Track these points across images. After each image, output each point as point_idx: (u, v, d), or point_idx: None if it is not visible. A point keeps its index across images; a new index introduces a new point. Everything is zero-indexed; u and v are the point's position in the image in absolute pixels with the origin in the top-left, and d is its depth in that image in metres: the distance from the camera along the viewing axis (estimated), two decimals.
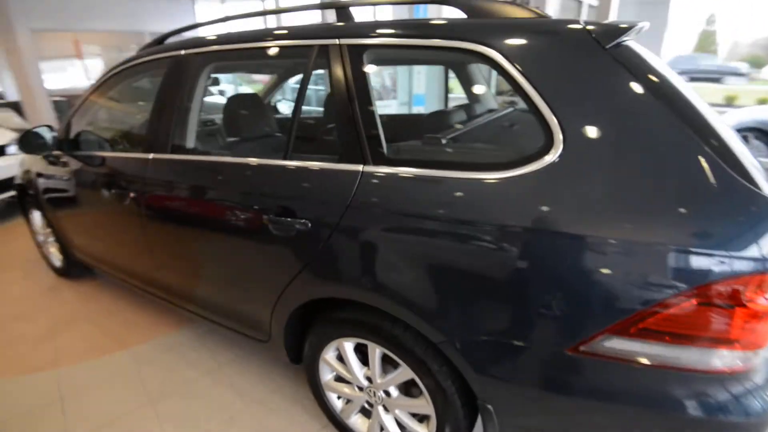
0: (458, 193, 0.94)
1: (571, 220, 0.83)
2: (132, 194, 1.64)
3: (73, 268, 2.61)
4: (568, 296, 0.84)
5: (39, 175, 2.31)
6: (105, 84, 1.94)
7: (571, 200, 0.83)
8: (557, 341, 0.87)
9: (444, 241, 0.94)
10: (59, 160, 2.08)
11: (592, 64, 0.87)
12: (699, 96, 0.94)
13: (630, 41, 0.92)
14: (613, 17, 3.44)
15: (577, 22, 0.92)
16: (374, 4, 1.31)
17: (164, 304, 1.88)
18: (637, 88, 0.84)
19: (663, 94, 0.83)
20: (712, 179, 0.77)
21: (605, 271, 0.80)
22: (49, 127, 2.16)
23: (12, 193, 3.44)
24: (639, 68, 0.87)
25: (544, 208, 0.85)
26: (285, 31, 1.27)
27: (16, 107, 8.56)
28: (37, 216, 2.63)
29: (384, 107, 6.55)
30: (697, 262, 0.75)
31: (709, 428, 0.82)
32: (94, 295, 2.53)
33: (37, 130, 2.06)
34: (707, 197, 0.77)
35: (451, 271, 0.95)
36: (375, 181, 1.05)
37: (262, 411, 1.61)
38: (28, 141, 2.01)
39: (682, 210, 0.76)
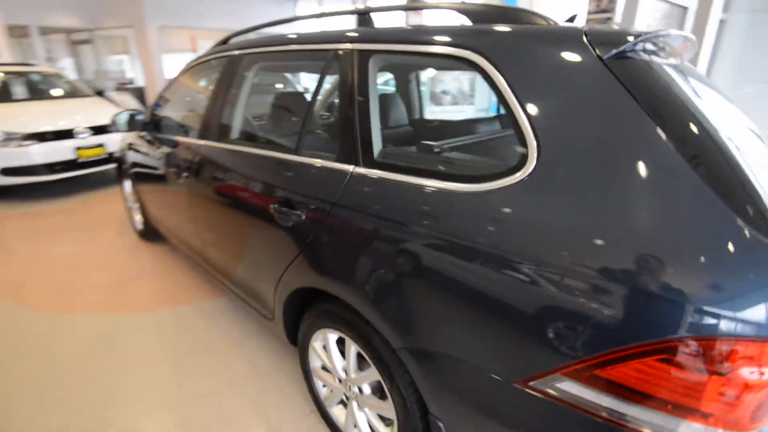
0: (428, 203, 0.94)
1: (530, 245, 0.78)
2: (185, 174, 1.89)
3: (150, 233, 3.06)
4: (522, 327, 0.79)
5: (130, 148, 2.74)
6: (181, 77, 2.25)
7: (532, 224, 0.78)
8: (507, 371, 0.83)
9: (408, 248, 0.95)
10: (144, 139, 2.46)
11: (582, 76, 0.80)
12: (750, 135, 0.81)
13: (653, 55, 0.82)
14: (712, 27, 2.96)
15: (577, 29, 0.85)
16: (387, 10, 1.34)
17: (206, 273, 2.13)
18: (634, 110, 0.75)
19: (673, 124, 0.73)
20: (715, 222, 0.66)
21: (562, 304, 0.74)
22: (138, 111, 2.55)
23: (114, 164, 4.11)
24: (645, 87, 0.77)
25: (505, 228, 0.81)
26: (309, 37, 1.36)
27: (139, 92, 10.14)
28: (127, 185, 3.13)
29: (457, 112, 6.49)
30: (670, 312, 0.65)
31: None
32: (160, 258, 2.94)
33: (128, 113, 2.45)
34: (700, 241, 0.66)
35: (413, 279, 0.95)
36: (361, 182, 1.09)
37: (265, 383, 1.75)
38: (120, 121, 2.41)
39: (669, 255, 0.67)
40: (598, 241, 0.72)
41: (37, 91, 5.06)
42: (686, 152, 0.70)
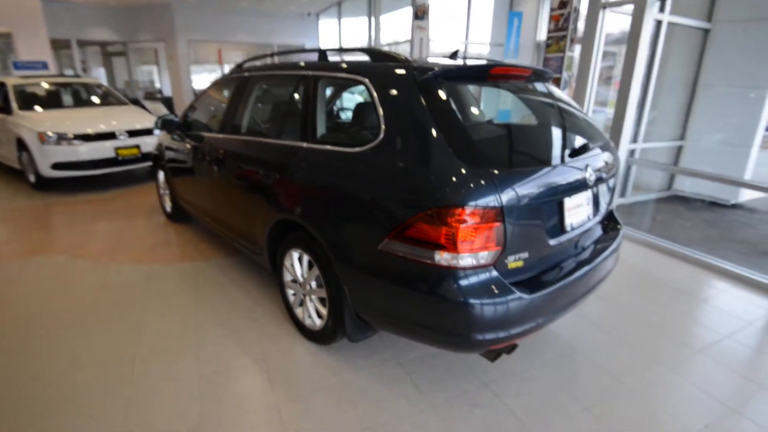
0: (336, 158, 1.87)
1: (375, 174, 1.69)
2: (206, 158, 2.90)
3: (177, 214, 4.12)
4: (373, 217, 1.69)
5: (165, 147, 3.82)
6: (208, 90, 3.31)
7: (379, 163, 1.70)
8: (372, 242, 1.72)
9: (328, 185, 1.88)
10: (174, 138, 3.52)
11: (405, 91, 1.72)
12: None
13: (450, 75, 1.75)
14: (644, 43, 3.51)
15: (410, 63, 1.78)
16: (316, 51, 2.32)
17: (218, 236, 3.11)
18: (421, 107, 1.66)
19: (436, 111, 1.64)
20: (444, 161, 1.55)
21: (388, 204, 1.65)
22: (175, 115, 3.63)
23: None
24: (430, 94, 1.67)
25: (366, 168, 1.73)
26: (288, 66, 2.36)
27: (167, 102, 11.65)
28: (161, 175, 4.21)
29: None
30: (424, 199, 1.54)
31: (438, 299, 1.57)
32: (184, 233, 3.98)
33: (168, 117, 3.53)
34: (436, 170, 1.55)
35: (330, 203, 1.87)
36: (308, 151, 2.04)
37: (255, 304, 2.68)
38: (162, 123, 3.48)
39: (424, 173, 1.57)
40: (402, 171, 1.63)
41: (82, 99, 6.40)
42: (445, 134, 1.60)
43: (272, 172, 2.24)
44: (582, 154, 1.88)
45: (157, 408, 1.85)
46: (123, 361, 2.15)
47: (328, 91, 2.17)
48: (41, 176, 5.30)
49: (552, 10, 4.05)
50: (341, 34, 11.23)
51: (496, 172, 1.54)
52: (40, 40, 8.37)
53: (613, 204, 2.37)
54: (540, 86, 2.28)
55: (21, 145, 5.35)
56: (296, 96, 2.27)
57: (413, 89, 1.69)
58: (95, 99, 6.49)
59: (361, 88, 1.91)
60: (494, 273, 1.57)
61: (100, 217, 4.49)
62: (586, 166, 1.85)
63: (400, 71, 1.78)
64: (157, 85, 14.44)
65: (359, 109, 2.10)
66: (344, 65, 2.02)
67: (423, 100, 1.65)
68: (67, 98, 6.33)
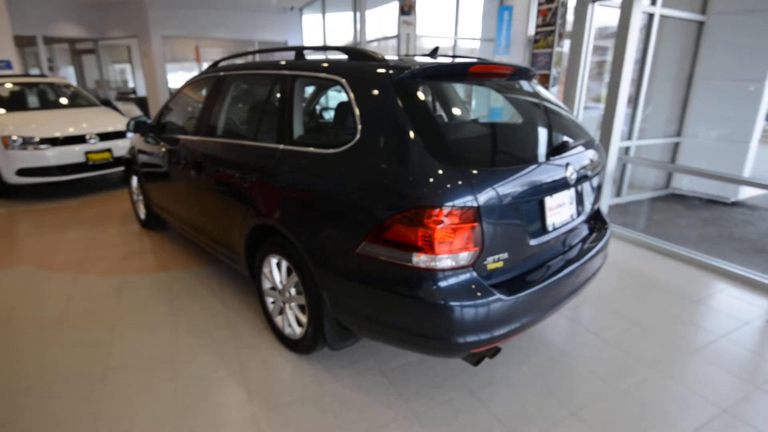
0: (308, 159, 1.93)
1: (351, 175, 1.75)
2: (181, 161, 2.94)
3: (151, 221, 4.14)
4: (350, 220, 1.75)
5: (138, 151, 3.85)
6: (183, 90, 3.35)
7: (356, 164, 1.76)
8: (347, 247, 1.77)
9: (303, 187, 1.94)
10: (148, 141, 3.55)
11: (381, 91, 1.78)
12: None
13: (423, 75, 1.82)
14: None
15: (386, 61, 1.85)
16: (310, 49, 2.38)
17: (194, 243, 3.15)
18: (398, 107, 1.72)
19: (412, 111, 1.70)
20: (420, 162, 1.62)
21: (363, 203, 1.71)
22: (147, 117, 3.66)
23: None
24: (407, 94, 1.74)
25: (343, 170, 1.79)
26: (264, 65, 2.42)
27: (142, 102, 11.62)
28: (134, 181, 4.23)
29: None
30: (401, 200, 1.61)
31: (417, 301, 1.63)
32: (158, 241, 4.00)
33: (141, 119, 3.56)
34: (413, 170, 1.62)
35: (307, 207, 1.93)
36: (284, 153, 2.10)
37: (232, 313, 2.72)
38: (135, 126, 3.51)
39: (400, 174, 1.63)
40: (379, 172, 1.69)
41: (49, 101, 6.39)
42: (421, 134, 1.66)
43: (249, 176, 2.29)
44: (563, 153, 1.96)
45: (128, 422, 1.88)
46: (93, 376, 2.18)
47: (305, 91, 2.22)
48: (5, 183, 5.29)
49: (540, 4, 4.17)
50: (325, 30, 11.32)
51: (473, 171, 1.61)
52: (3, 36, 8.32)
53: (600, 203, 2.46)
54: (524, 84, 2.36)
55: None
56: (272, 96, 2.33)
57: (389, 89, 1.76)
58: (63, 100, 6.48)
59: (339, 87, 1.97)
60: (473, 274, 1.63)
61: (68, 225, 4.49)
62: (567, 165, 1.93)
63: (376, 71, 1.85)
64: (131, 84, 14.38)
65: (336, 109, 2.16)
66: (321, 64, 2.08)
67: (399, 100, 1.72)
68: (32, 99, 6.31)
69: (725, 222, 4.77)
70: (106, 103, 7.06)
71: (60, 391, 2.07)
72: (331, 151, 1.88)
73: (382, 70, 1.83)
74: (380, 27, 8.90)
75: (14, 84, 6.27)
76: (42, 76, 7.21)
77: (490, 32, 8.21)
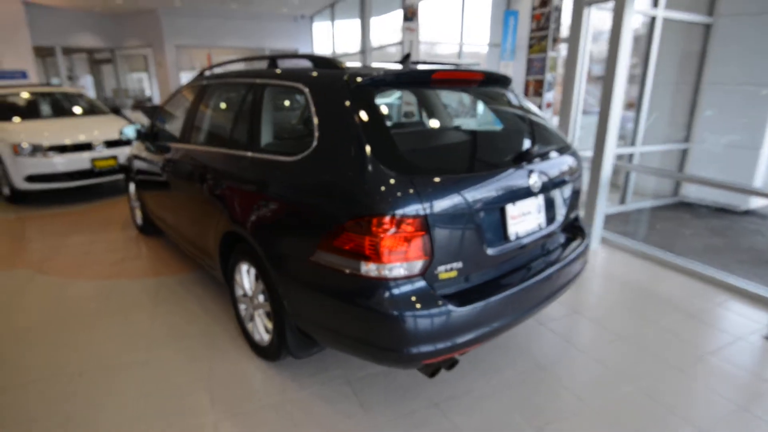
0: (271, 166, 1.95)
1: (306, 183, 1.76)
2: (168, 168, 3.01)
3: (148, 227, 4.23)
4: (305, 227, 1.76)
5: (134, 157, 3.95)
6: (172, 98, 3.44)
7: (310, 172, 1.77)
8: (304, 254, 1.78)
9: (265, 194, 1.96)
10: (144, 148, 3.65)
11: (337, 99, 1.79)
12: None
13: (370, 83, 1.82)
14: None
15: (344, 70, 1.86)
16: (266, 58, 2.42)
17: (180, 249, 3.20)
18: (350, 115, 1.73)
19: (364, 119, 1.70)
20: (369, 169, 1.61)
21: (316, 211, 1.72)
22: (140, 125, 3.76)
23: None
24: (362, 101, 1.74)
25: (298, 177, 1.80)
26: (241, 73, 2.47)
27: (155, 110, 11.91)
28: (132, 187, 4.34)
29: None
30: (349, 208, 1.60)
31: (367, 311, 1.62)
32: (153, 246, 4.09)
33: (133, 126, 3.66)
34: (361, 178, 1.61)
35: (265, 212, 1.95)
36: (251, 160, 2.12)
37: (210, 319, 2.75)
38: (126, 132, 3.61)
39: (350, 182, 1.64)
40: (330, 180, 1.70)
41: (61, 109, 6.61)
42: (371, 142, 1.66)
43: (221, 182, 2.33)
44: (526, 159, 1.93)
45: (94, 425, 1.92)
46: (67, 378, 2.23)
47: (273, 100, 2.26)
48: (16, 189, 5.49)
49: (533, 9, 4.13)
50: (334, 37, 11.46)
51: (422, 179, 1.60)
52: (22, 47, 8.69)
53: (576, 211, 2.41)
54: (498, 91, 2.34)
55: None
56: (245, 104, 2.37)
57: (344, 97, 1.77)
58: (74, 108, 6.71)
59: (302, 96, 1.99)
60: (422, 283, 1.61)
61: (72, 230, 4.63)
62: (531, 172, 1.89)
63: (334, 79, 1.86)
64: (148, 92, 14.79)
65: (299, 117, 2.19)
66: (287, 73, 2.11)
67: (352, 108, 1.73)
68: (45, 108, 6.55)
69: (734, 232, 4.61)
70: (116, 111, 7.28)
71: (34, 391, 2.13)
72: (290, 158, 1.90)
73: (339, 78, 1.84)
74: (385, 34, 8.96)
75: (28, 93, 6.53)
76: (55, 85, 7.48)
77: (498, 37, 8.18)
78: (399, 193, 1.55)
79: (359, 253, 1.59)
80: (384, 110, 1.78)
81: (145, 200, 3.92)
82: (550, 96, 4.26)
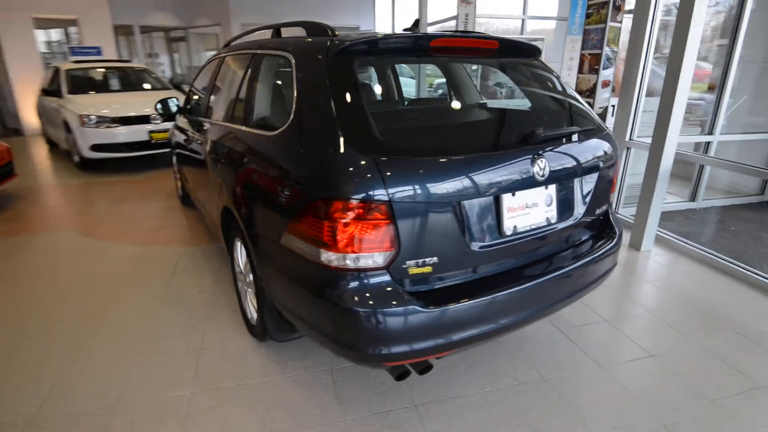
0: (254, 141, 1.87)
1: (279, 160, 1.65)
2: (194, 141, 3.06)
3: (186, 198, 4.41)
4: (277, 210, 1.66)
5: (174, 130, 4.08)
6: (202, 70, 3.48)
7: (283, 148, 1.66)
8: (275, 236, 1.69)
9: (245, 170, 1.88)
10: (181, 120, 3.75)
11: (314, 68, 1.64)
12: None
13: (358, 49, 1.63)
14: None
15: (330, 37, 1.70)
16: (266, 28, 2.31)
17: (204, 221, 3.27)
18: (325, 85, 1.57)
19: (337, 91, 1.54)
20: (333, 148, 1.46)
21: (285, 191, 1.60)
22: (174, 98, 3.85)
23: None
24: (339, 72, 1.57)
25: (273, 154, 1.70)
26: (248, 45, 2.40)
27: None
28: (174, 159, 4.52)
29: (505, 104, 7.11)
30: (311, 189, 1.47)
31: (326, 302, 1.50)
32: (190, 216, 4.28)
33: (166, 98, 3.75)
34: (324, 157, 1.47)
35: (246, 188, 1.87)
36: (244, 135, 2.06)
37: (219, 290, 2.79)
38: (162, 106, 3.72)
39: (314, 160, 1.50)
40: (298, 158, 1.57)
41: (127, 83, 7.08)
42: (340, 116, 1.49)
43: (221, 158, 2.30)
44: (531, 143, 1.67)
45: (80, 385, 2.01)
46: (70, 337, 2.36)
47: (267, 71, 2.15)
48: (83, 157, 5.99)
49: None
50: (394, 13, 11.16)
51: (390, 161, 1.42)
52: (103, 26, 9.38)
53: (606, 206, 2.09)
54: (523, 63, 2.07)
55: (67, 127, 6.08)
56: (244, 77, 2.31)
57: (321, 66, 1.62)
58: (139, 83, 7.14)
59: (289, 65, 1.87)
60: (387, 278, 1.46)
61: (125, 197, 4.97)
62: (536, 157, 1.64)
63: (315, 46, 1.72)
64: None
65: (289, 89, 2.08)
66: (277, 42, 2.01)
67: (328, 79, 1.57)
68: (113, 82, 7.05)
69: None
70: (177, 87, 7.65)
71: (51, 340, 2.29)
72: (270, 133, 1.80)
73: (320, 45, 1.69)
74: (444, 8, 8.55)
75: (98, 69, 7.04)
76: (124, 61, 8.00)
77: (566, 11, 7.47)
78: (361, 176, 1.39)
79: (318, 239, 1.46)
80: (366, 82, 1.61)
81: (182, 173, 4.07)
82: (608, 73, 3.77)
